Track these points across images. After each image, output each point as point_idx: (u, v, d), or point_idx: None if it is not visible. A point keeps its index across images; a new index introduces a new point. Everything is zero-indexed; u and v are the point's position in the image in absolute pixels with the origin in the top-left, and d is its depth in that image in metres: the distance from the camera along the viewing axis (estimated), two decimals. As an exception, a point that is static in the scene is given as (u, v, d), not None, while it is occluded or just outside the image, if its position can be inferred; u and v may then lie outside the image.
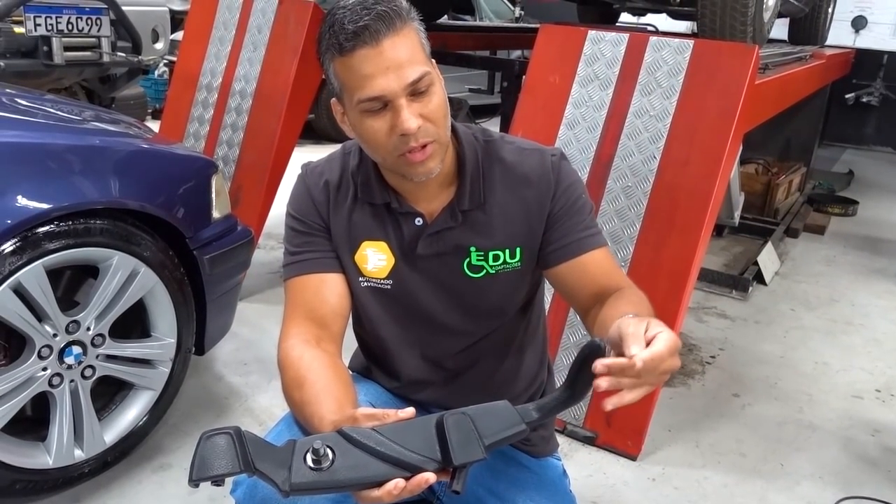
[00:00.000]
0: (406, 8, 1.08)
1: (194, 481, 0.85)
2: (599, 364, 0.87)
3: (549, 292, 1.41)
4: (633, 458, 2.24)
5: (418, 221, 1.22)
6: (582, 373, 0.92)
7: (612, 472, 2.19)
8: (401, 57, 1.05)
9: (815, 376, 2.91)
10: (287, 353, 1.17)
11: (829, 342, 3.24)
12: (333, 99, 1.16)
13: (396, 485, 0.88)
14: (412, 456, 0.89)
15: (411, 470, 0.89)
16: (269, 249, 3.76)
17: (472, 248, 1.22)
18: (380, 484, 0.88)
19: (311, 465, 0.87)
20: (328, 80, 1.12)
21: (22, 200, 1.67)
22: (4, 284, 1.63)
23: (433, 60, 1.13)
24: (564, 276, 1.23)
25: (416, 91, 1.07)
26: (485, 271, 1.23)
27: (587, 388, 0.93)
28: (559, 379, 2.32)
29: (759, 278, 3.83)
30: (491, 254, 1.22)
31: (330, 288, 1.23)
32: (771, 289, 3.84)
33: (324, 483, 0.87)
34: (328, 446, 0.88)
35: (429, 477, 0.89)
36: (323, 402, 1.06)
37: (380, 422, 0.93)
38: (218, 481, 0.85)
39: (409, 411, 0.96)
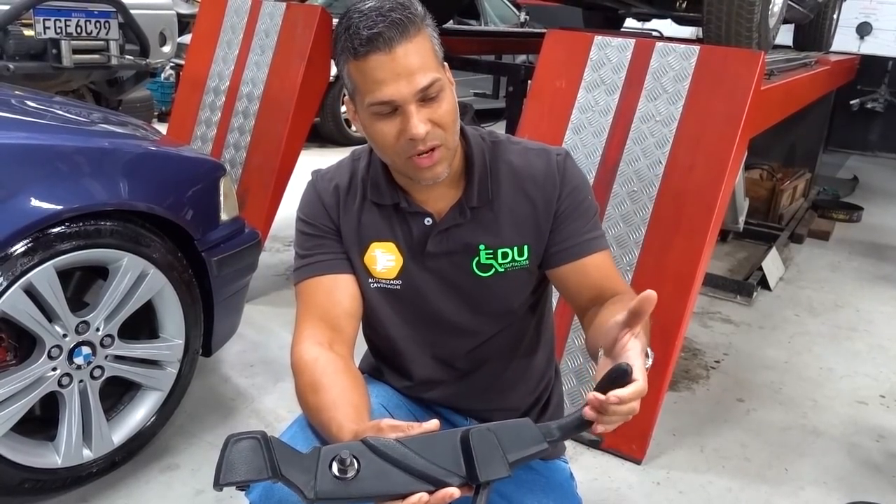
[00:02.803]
0: (421, 14, 1.10)
1: (221, 485, 0.84)
2: (592, 396, 0.92)
3: (555, 295, 1.42)
4: (638, 462, 2.25)
5: (427, 221, 1.23)
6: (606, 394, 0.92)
7: (617, 475, 2.20)
8: (412, 64, 1.06)
9: (819, 382, 2.91)
10: (301, 356, 1.17)
11: (833, 348, 3.24)
12: (347, 97, 1.18)
13: (420, 498, 0.88)
14: (437, 469, 0.89)
15: (435, 484, 0.89)
16: (276, 252, 3.78)
17: (482, 246, 1.24)
18: (403, 496, 0.88)
19: (337, 473, 0.87)
20: (342, 79, 1.14)
21: (33, 202, 1.69)
22: (16, 285, 1.64)
23: (445, 64, 1.15)
24: (565, 277, 1.25)
25: (426, 97, 1.09)
26: (494, 269, 1.24)
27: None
28: (566, 381, 2.33)
29: (764, 284, 3.84)
30: (500, 251, 1.24)
31: (342, 289, 1.24)
32: (775, 294, 3.84)
33: (348, 493, 0.87)
34: (354, 456, 0.88)
35: (453, 492, 0.89)
36: (340, 409, 1.07)
37: (404, 434, 0.93)
38: (243, 486, 0.85)
39: (434, 424, 0.96)
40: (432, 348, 1.30)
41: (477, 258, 1.24)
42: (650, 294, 0.93)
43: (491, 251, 1.24)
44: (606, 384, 0.92)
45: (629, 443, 2.26)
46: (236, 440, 0.87)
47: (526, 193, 1.24)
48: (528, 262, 1.25)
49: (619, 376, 0.91)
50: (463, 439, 0.92)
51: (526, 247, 1.25)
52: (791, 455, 2.39)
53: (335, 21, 3.61)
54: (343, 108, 6.37)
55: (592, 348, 1.14)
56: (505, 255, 1.24)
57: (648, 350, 1.00)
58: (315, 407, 1.11)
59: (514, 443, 0.93)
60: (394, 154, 1.13)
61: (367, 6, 1.07)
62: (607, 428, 0.94)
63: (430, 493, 0.89)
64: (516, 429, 0.94)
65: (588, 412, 0.93)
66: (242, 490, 0.86)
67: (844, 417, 2.65)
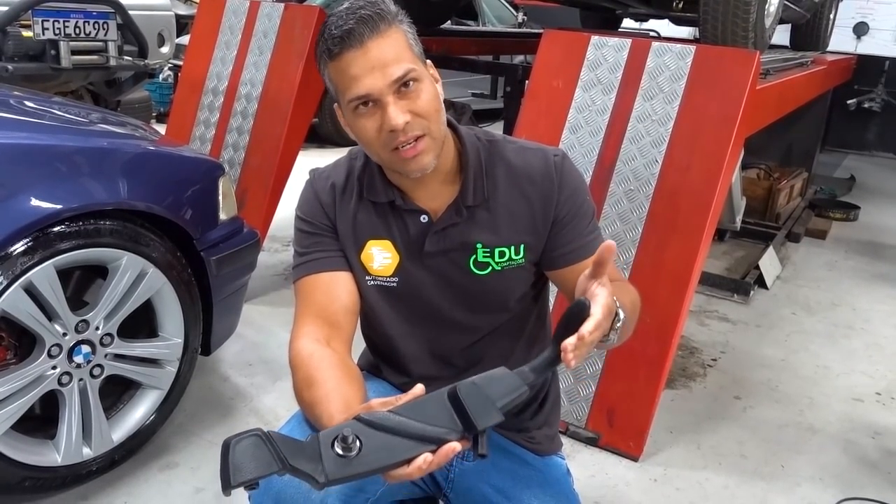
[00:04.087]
0: (393, 12, 1.13)
1: (233, 487, 0.84)
2: (565, 343, 0.94)
3: (552, 292, 1.44)
4: (635, 459, 2.26)
5: (424, 219, 1.24)
6: (569, 331, 0.95)
7: (614, 472, 2.21)
8: (386, 56, 1.09)
9: (815, 379, 2.92)
10: (298, 353, 1.19)
11: (830, 346, 3.25)
12: (336, 104, 1.19)
13: (425, 459, 0.91)
14: (434, 429, 0.92)
15: (436, 442, 0.91)
16: (274, 252, 3.79)
17: (479, 245, 1.25)
18: (408, 461, 0.90)
19: (341, 452, 0.88)
20: (326, 85, 1.16)
21: (33, 201, 1.70)
22: (16, 284, 1.65)
23: (428, 61, 1.17)
24: (566, 277, 1.26)
25: (402, 87, 1.10)
26: (491, 268, 1.26)
27: None
28: (562, 378, 2.34)
29: (761, 282, 3.85)
30: (497, 250, 1.25)
31: (340, 286, 1.25)
32: (772, 293, 3.86)
33: (356, 470, 0.89)
34: (355, 434, 0.89)
35: (455, 446, 0.92)
36: (332, 402, 1.09)
37: (393, 405, 0.96)
38: (253, 484, 0.85)
39: (420, 388, 0.99)
40: (429, 345, 1.31)
41: (474, 256, 1.25)
42: (609, 243, 0.96)
43: (488, 250, 1.25)
44: (567, 320, 0.96)
45: (626, 440, 2.27)
46: (237, 441, 0.87)
47: (523, 192, 1.25)
48: (524, 260, 1.26)
49: (578, 310, 0.94)
50: (451, 396, 0.95)
51: (522, 245, 1.26)
52: (787, 452, 2.40)
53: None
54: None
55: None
56: (502, 254, 1.25)
57: (620, 311, 1.03)
58: (309, 402, 1.13)
59: (498, 391, 0.96)
60: (379, 148, 1.15)
61: (341, 10, 1.11)
62: (573, 364, 0.96)
63: (433, 451, 0.91)
64: (496, 378, 0.98)
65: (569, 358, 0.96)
66: (252, 489, 0.86)
67: (840, 415, 2.66)
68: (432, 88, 1.15)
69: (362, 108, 1.12)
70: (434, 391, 0.98)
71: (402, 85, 1.10)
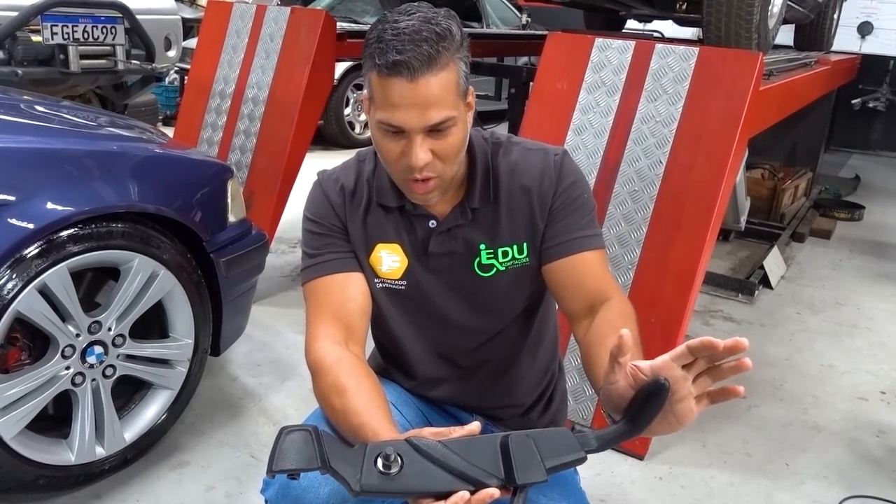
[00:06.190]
0: (457, 43, 1.10)
1: (273, 472, 0.89)
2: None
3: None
4: (641, 458, 2.28)
5: (432, 223, 1.26)
6: (644, 408, 0.93)
7: (620, 471, 2.23)
8: (431, 97, 1.07)
9: (820, 378, 2.94)
10: (323, 356, 1.18)
11: (834, 345, 3.26)
12: (365, 92, 1.17)
13: (462, 496, 0.90)
14: (476, 470, 0.92)
15: (475, 484, 0.91)
16: (281, 254, 3.81)
17: (482, 246, 1.26)
18: (445, 495, 0.91)
19: (381, 468, 0.90)
20: (364, 77, 1.15)
21: (46, 205, 1.72)
22: (30, 286, 1.68)
23: (471, 88, 1.16)
24: (555, 274, 1.25)
25: (434, 129, 1.10)
26: (495, 269, 1.27)
27: (648, 423, 0.94)
28: (569, 378, 2.36)
29: (766, 282, 3.86)
30: (500, 250, 1.26)
31: (354, 287, 1.26)
32: (777, 292, 3.86)
33: (391, 488, 0.90)
34: (398, 453, 0.91)
35: (493, 492, 0.91)
36: (373, 415, 1.08)
37: (446, 436, 0.96)
38: (294, 475, 0.89)
39: (475, 426, 0.98)
40: (437, 346, 1.33)
41: (478, 258, 1.27)
42: (626, 333, 0.94)
43: (491, 251, 1.26)
44: (644, 397, 0.92)
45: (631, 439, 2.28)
46: (289, 431, 0.91)
47: (523, 191, 1.26)
48: (528, 259, 1.28)
49: (658, 390, 0.91)
50: (502, 444, 0.94)
51: (525, 244, 1.27)
52: (792, 450, 2.41)
53: (339, 24, 3.63)
54: (347, 111, 6.42)
55: (590, 374, 1.13)
56: (505, 254, 1.27)
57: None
58: (342, 409, 1.12)
59: (551, 450, 0.94)
60: (392, 169, 1.17)
61: (403, 24, 1.07)
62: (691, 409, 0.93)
63: (472, 492, 0.91)
64: (555, 437, 0.96)
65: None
66: (293, 478, 0.90)
67: (845, 413, 2.68)
68: (461, 132, 1.14)
69: (389, 130, 1.12)
70: (489, 434, 0.98)
71: (434, 128, 1.10)
